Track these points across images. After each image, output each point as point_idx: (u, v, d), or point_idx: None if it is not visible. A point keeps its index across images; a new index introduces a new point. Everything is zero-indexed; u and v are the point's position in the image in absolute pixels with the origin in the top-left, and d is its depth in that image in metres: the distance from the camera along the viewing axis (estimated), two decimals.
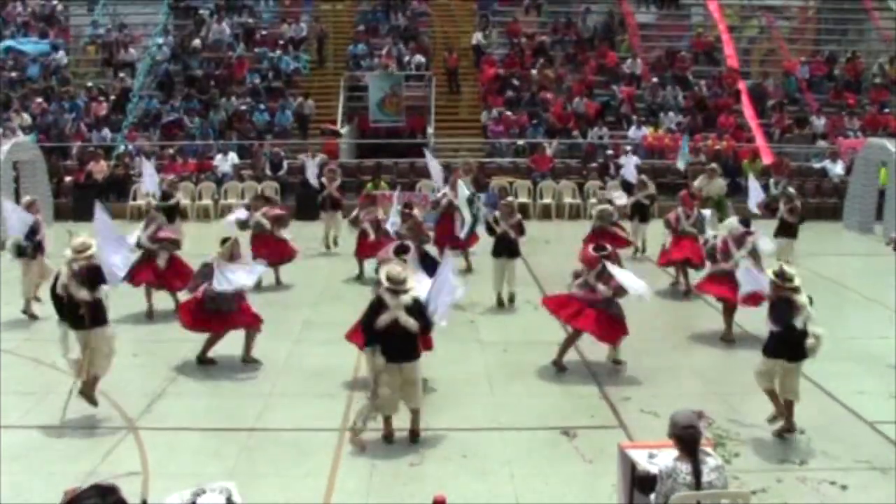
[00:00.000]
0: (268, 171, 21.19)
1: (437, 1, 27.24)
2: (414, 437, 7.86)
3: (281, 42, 25.28)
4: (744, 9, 28.25)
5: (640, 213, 16.01)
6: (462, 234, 13.57)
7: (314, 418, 8.48)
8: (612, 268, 9.52)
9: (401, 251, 8.84)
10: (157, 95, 23.84)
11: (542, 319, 11.68)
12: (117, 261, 8.46)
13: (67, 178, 20.83)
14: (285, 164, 21.34)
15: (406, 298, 7.60)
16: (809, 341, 7.66)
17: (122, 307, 11.55)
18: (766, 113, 23.73)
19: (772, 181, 20.66)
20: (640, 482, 5.59)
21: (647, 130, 22.45)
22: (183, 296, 11.67)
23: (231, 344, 10.09)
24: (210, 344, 10.00)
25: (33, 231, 11.93)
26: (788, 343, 7.70)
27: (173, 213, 14.99)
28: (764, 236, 11.57)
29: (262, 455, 7.68)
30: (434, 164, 16.15)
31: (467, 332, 11.29)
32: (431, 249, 12.39)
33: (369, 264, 14.05)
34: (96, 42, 25.93)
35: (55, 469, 7.17)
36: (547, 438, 8.06)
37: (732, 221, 11.41)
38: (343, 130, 23.08)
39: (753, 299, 9.46)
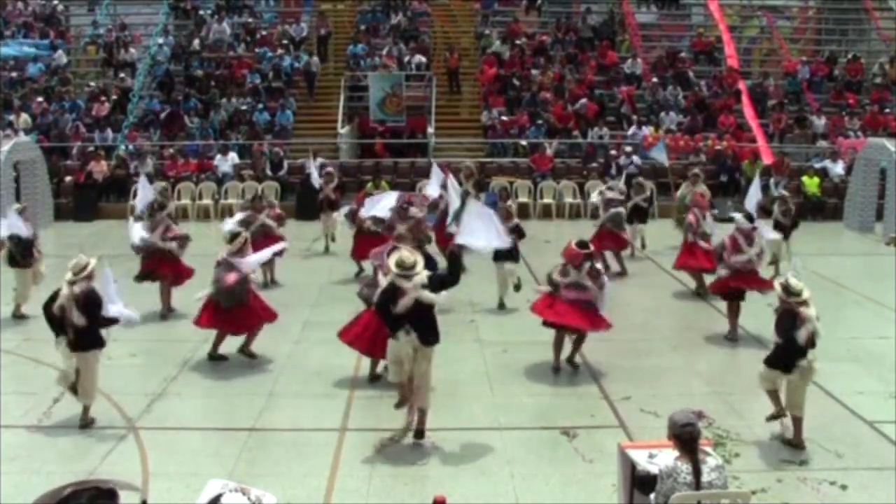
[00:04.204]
0: (268, 171, 21.20)
1: (437, 1, 27.24)
2: (419, 435, 7.84)
3: (284, 42, 25.30)
4: (744, 9, 28.24)
5: (639, 215, 15.97)
6: (449, 221, 13.55)
7: (314, 418, 8.49)
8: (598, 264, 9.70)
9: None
10: (158, 95, 23.85)
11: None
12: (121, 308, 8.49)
13: (67, 178, 20.83)
14: (285, 163, 21.34)
15: (419, 279, 7.57)
16: (802, 362, 7.52)
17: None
18: (766, 113, 23.72)
19: (772, 181, 20.65)
20: (640, 482, 5.59)
21: (647, 130, 22.44)
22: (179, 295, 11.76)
23: (234, 342, 10.11)
24: (220, 340, 10.05)
25: (29, 241, 11.97)
26: (789, 356, 7.61)
27: None
28: (766, 228, 11.57)
29: (262, 455, 7.68)
30: (436, 172, 16.10)
31: (467, 332, 11.29)
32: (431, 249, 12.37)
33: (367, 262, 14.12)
34: (96, 42, 25.94)
35: (55, 469, 7.17)
36: (547, 438, 8.06)
37: (739, 218, 11.41)
38: (343, 130, 23.08)
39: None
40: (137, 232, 12.07)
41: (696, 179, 16.08)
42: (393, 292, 7.61)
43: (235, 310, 9.88)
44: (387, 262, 7.98)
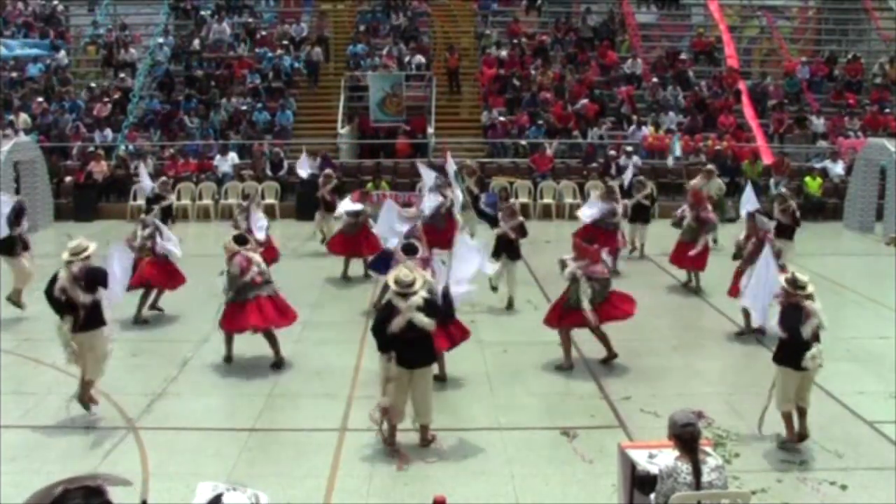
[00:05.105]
0: (268, 171, 21.20)
1: (437, 1, 27.25)
2: (425, 444, 7.80)
3: (284, 42, 25.31)
4: (744, 9, 28.24)
5: (640, 214, 15.90)
6: (463, 229, 13.54)
7: (314, 418, 8.49)
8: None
9: (409, 251, 8.86)
10: (158, 95, 23.87)
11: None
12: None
13: (67, 178, 20.84)
14: (285, 164, 21.34)
15: (416, 299, 7.44)
16: (807, 357, 7.43)
17: (122, 307, 11.55)
18: (766, 113, 23.73)
19: (772, 181, 20.67)
20: (640, 482, 5.59)
21: (647, 130, 22.44)
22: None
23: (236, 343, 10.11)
24: (272, 342, 9.99)
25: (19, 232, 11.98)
26: (795, 351, 7.55)
27: (167, 214, 14.94)
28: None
29: (262, 455, 7.68)
30: (426, 174, 16.10)
31: None
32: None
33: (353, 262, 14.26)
34: (96, 42, 25.96)
35: (55, 469, 7.15)
36: (547, 438, 8.06)
37: (762, 219, 11.36)
38: (343, 131, 23.09)
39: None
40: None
41: (709, 174, 16.03)
42: (389, 310, 7.53)
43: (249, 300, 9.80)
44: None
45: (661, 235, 15.82)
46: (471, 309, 12.20)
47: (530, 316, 11.89)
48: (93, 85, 24.03)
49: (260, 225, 12.97)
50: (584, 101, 23.24)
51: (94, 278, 8.23)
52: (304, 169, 18.84)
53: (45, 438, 7.99)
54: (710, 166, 17.22)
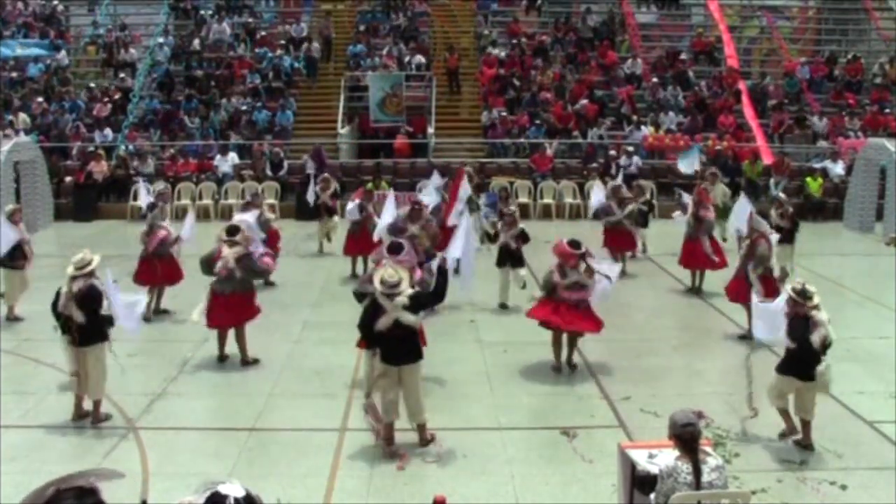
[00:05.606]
0: (268, 171, 21.20)
1: (437, 1, 27.25)
2: (424, 444, 7.81)
3: (284, 42, 25.33)
4: (744, 9, 28.25)
5: (639, 219, 15.80)
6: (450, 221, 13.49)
7: (314, 418, 8.49)
8: (591, 262, 9.74)
9: (394, 250, 8.83)
10: (158, 95, 23.87)
11: None
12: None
13: (67, 178, 20.84)
14: (285, 164, 21.34)
15: (402, 299, 7.50)
16: (820, 367, 7.45)
17: None
18: (766, 113, 23.72)
19: (772, 181, 20.67)
20: (640, 482, 5.59)
21: (647, 130, 22.44)
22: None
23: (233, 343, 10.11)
24: (241, 342, 10.04)
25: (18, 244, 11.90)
26: (802, 361, 7.53)
27: None
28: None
29: (262, 455, 7.68)
30: (435, 177, 16.02)
31: (467, 332, 11.30)
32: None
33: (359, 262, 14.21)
34: (96, 42, 25.96)
35: (55, 469, 7.10)
36: (547, 438, 8.06)
37: (760, 220, 11.39)
38: (343, 131, 23.08)
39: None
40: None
41: (713, 179, 16.04)
42: (374, 310, 7.57)
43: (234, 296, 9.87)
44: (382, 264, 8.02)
45: (662, 235, 15.83)
46: (471, 309, 12.25)
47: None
48: (93, 85, 24.03)
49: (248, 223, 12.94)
50: (584, 101, 23.23)
51: (90, 300, 8.15)
52: (311, 194, 18.39)
53: (45, 438, 7.99)
54: (713, 170, 17.18)
